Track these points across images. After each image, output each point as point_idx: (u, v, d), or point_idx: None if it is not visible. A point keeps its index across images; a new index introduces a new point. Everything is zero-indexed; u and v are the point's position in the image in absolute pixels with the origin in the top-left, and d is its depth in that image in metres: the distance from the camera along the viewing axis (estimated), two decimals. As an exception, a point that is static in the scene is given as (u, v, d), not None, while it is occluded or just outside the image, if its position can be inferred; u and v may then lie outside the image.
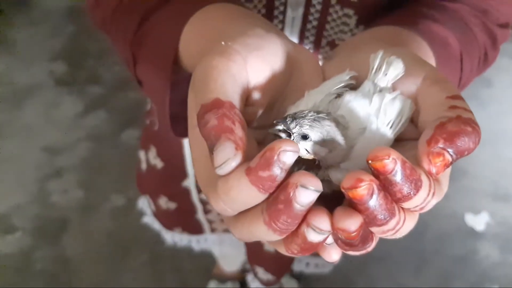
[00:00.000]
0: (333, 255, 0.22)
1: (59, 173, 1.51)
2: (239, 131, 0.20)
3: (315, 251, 0.21)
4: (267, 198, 0.20)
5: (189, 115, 0.24)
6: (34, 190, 1.47)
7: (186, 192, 0.74)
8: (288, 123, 0.21)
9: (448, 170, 0.22)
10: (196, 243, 0.85)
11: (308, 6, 0.43)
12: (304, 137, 0.21)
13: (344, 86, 0.25)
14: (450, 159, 0.20)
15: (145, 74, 0.37)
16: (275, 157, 0.19)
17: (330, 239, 0.21)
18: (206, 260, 1.23)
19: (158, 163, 0.72)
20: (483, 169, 1.55)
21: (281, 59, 0.26)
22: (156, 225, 0.85)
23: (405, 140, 0.25)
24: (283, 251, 0.22)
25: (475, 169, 1.55)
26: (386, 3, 0.44)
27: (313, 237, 0.20)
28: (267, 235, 0.20)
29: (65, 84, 1.76)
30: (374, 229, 0.20)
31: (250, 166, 0.19)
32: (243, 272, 1.21)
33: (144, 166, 0.78)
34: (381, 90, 0.24)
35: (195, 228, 0.81)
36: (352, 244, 0.20)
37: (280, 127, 0.22)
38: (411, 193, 0.20)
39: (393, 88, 0.24)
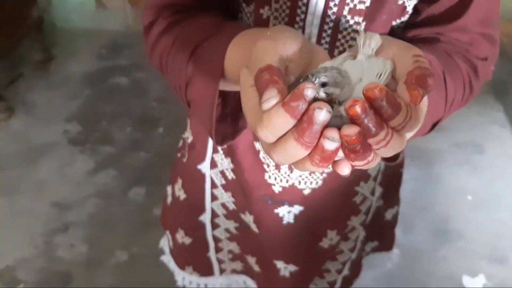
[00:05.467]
0: (344, 168, 0.29)
1: (66, 228, 1.56)
2: (281, 83, 0.29)
3: (331, 162, 0.28)
4: (296, 125, 0.28)
5: (242, 83, 0.33)
6: (41, 244, 1.51)
7: (202, 226, 0.81)
8: (310, 77, 0.30)
9: (424, 108, 0.31)
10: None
11: (322, 25, 0.52)
12: (323, 84, 0.29)
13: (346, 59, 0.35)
14: (421, 92, 0.28)
15: (197, 91, 0.47)
16: (301, 92, 0.27)
17: (341, 154, 0.28)
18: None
19: (182, 195, 0.80)
20: (479, 232, 1.59)
21: (305, 46, 0.35)
22: (171, 264, 0.90)
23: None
24: (308, 166, 0.29)
25: (471, 232, 1.59)
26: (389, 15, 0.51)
27: (328, 145, 0.27)
28: (296, 149, 0.28)
29: (78, 143, 1.86)
30: (370, 141, 0.27)
31: (284, 101, 0.27)
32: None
33: (169, 199, 0.86)
34: (369, 57, 0.33)
35: (205, 268, 0.86)
36: (355, 150, 0.27)
37: (307, 80, 0.30)
38: (394, 113, 0.27)
39: (378, 54, 0.33)
